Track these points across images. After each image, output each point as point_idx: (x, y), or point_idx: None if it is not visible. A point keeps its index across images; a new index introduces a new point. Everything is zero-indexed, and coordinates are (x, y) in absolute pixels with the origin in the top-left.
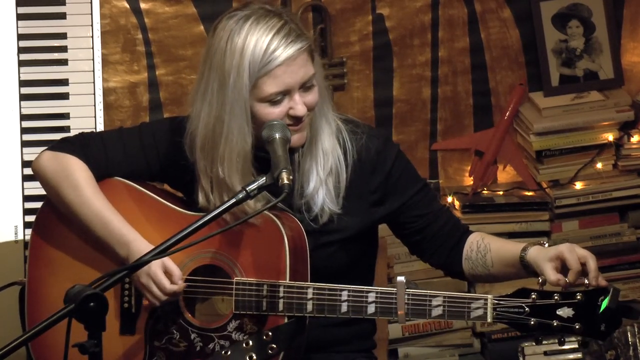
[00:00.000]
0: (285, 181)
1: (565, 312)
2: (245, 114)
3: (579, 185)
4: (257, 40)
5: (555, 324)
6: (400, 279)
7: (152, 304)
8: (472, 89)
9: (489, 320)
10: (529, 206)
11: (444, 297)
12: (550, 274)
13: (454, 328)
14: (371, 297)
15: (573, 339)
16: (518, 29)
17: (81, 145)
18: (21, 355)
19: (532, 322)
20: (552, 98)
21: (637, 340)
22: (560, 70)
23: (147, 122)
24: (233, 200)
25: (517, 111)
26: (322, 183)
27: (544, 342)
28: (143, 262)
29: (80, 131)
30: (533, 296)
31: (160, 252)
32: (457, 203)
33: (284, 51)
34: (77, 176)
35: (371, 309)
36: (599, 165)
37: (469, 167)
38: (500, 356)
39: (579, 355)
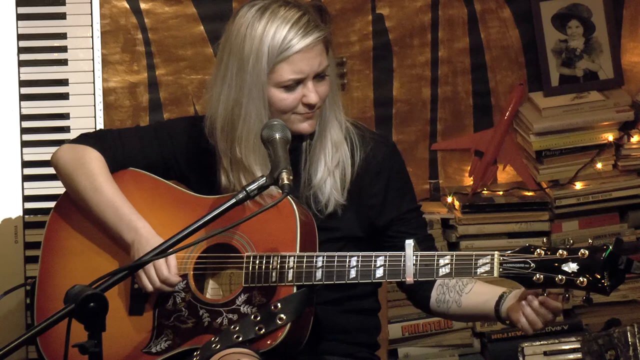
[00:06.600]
0: (286, 181)
1: (570, 267)
2: (263, 98)
3: (579, 185)
4: (277, 28)
5: (559, 278)
6: (409, 241)
7: (144, 287)
8: (472, 89)
9: (495, 275)
10: (528, 206)
11: (452, 255)
12: (525, 325)
13: (454, 328)
14: (380, 261)
15: (572, 339)
16: (518, 29)
17: (98, 138)
18: (20, 354)
19: (537, 277)
20: (552, 98)
21: (637, 341)
22: (560, 70)
23: (163, 120)
24: (233, 201)
25: (517, 111)
26: (330, 173)
27: (543, 342)
28: (143, 262)
29: (81, 131)
30: (539, 252)
31: (160, 252)
32: (457, 203)
33: (302, 39)
34: (92, 164)
35: (379, 272)
36: (599, 165)
37: (468, 167)
38: (500, 356)
39: (579, 355)
